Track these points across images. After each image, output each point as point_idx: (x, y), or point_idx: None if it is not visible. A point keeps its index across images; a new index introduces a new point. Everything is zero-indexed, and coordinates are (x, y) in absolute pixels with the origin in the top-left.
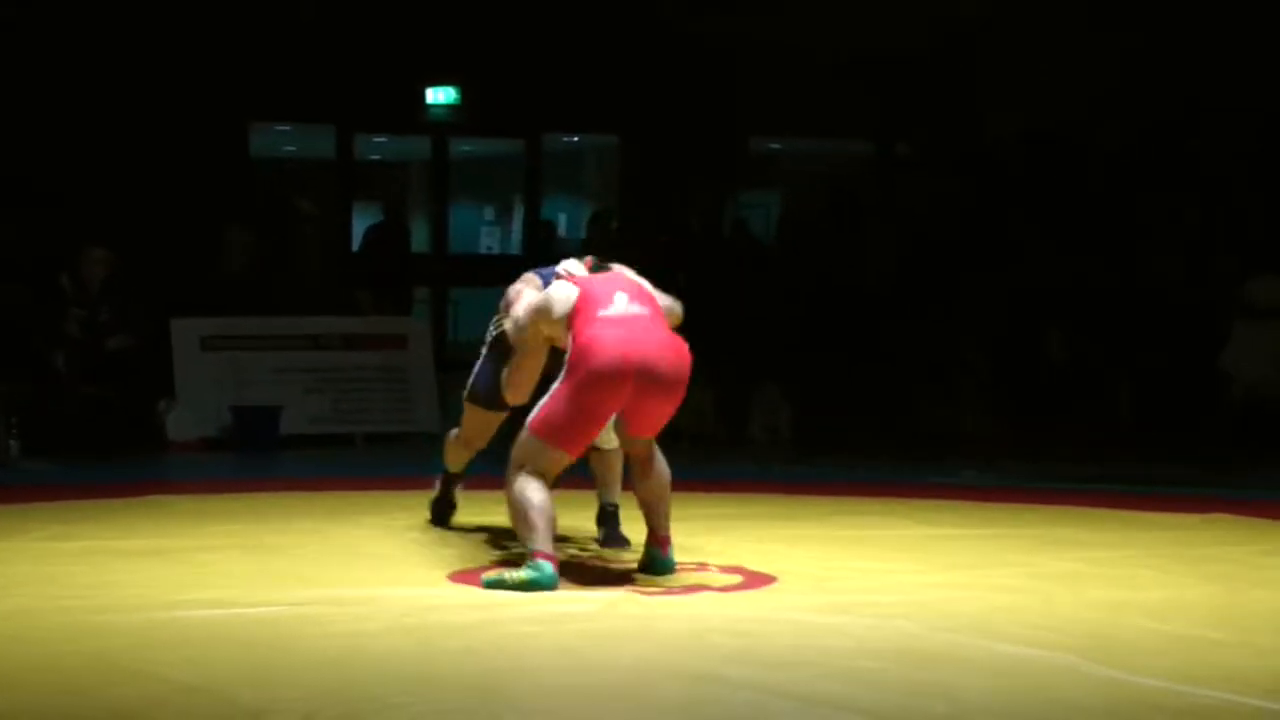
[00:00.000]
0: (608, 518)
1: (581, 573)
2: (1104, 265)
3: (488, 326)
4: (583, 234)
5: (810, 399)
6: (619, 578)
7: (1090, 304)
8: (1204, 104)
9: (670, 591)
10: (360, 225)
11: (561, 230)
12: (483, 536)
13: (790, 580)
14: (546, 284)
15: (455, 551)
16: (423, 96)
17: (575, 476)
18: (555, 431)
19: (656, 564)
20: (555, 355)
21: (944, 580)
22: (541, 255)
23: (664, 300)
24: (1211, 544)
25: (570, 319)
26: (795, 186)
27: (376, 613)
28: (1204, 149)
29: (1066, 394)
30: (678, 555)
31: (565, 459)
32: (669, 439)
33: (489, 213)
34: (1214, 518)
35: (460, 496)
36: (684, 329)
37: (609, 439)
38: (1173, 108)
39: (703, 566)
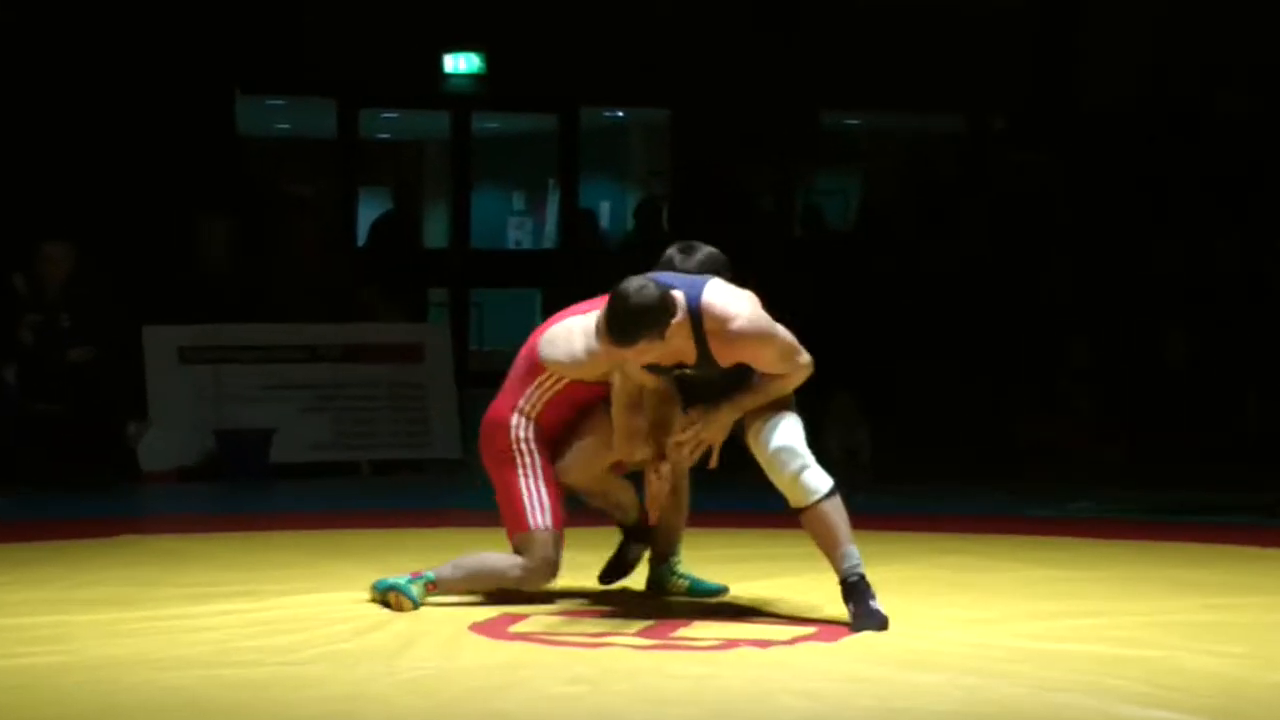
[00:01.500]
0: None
1: (623, 620)
2: (1227, 253)
3: None
4: (629, 225)
5: (893, 414)
6: (667, 626)
7: (1213, 298)
8: None
9: (728, 645)
10: (366, 215)
11: (604, 221)
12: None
13: (872, 632)
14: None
15: (479, 598)
16: (440, 65)
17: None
18: None
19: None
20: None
21: (1052, 631)
22: (580, 250)
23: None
24: None
25: None
26: (876, 168)
27: (386, 671)
28: None
29: (1187, 405)
30: (738, 601)
31: None
32: (728, 468)
33: (518, 201)
34: None
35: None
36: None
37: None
38: None
39: (767, 615)
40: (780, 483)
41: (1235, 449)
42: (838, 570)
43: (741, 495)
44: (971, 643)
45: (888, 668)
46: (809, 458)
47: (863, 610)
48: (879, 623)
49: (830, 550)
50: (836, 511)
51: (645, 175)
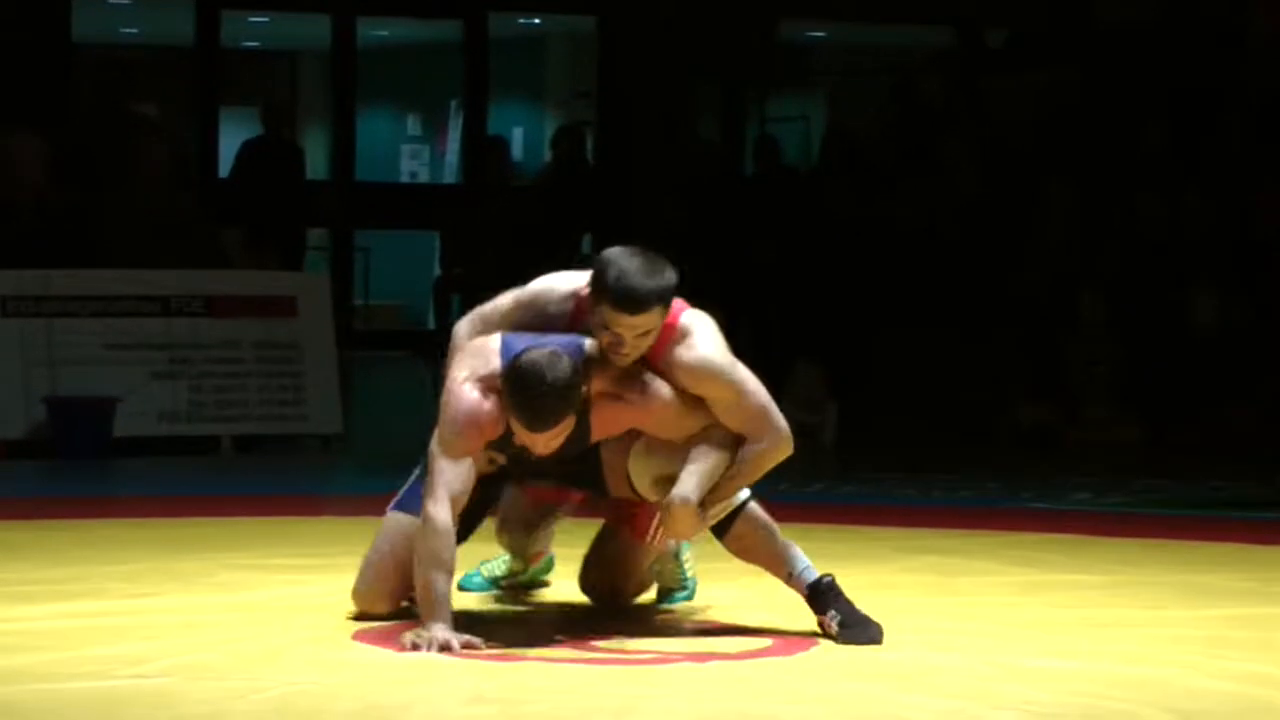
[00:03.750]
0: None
1: (541, 629)
2: (1273, 200)
3: None
4: (546, 156)
5: (863, 388)
6: (592, 636)
7: (1251, 253)
8: None
9: (666, 659)
10: (230, 140)
11: (516, 151)
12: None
13: (835, 645)
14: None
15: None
16: None
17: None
18: None
19: None
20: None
21: (1049, 645)
22: (487, 186)
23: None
24: None
25: None
26: (845, 92)
27: (252, 687)
28: None
29: (1215, 378)
30: (681, 609)
31: None
32: None
33: (413, 125)
34: None
35: None
36: (697, 296)
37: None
38: None
39: (715, 625)
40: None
41: (1269, 431)
42: (791, 573)
43: None
44: (954, 659)
45: (851, 685)
46: None
47: (853, 619)
48: (873, 634)
49: (773, 555)
50: (763, 514)
51: (567, 97)
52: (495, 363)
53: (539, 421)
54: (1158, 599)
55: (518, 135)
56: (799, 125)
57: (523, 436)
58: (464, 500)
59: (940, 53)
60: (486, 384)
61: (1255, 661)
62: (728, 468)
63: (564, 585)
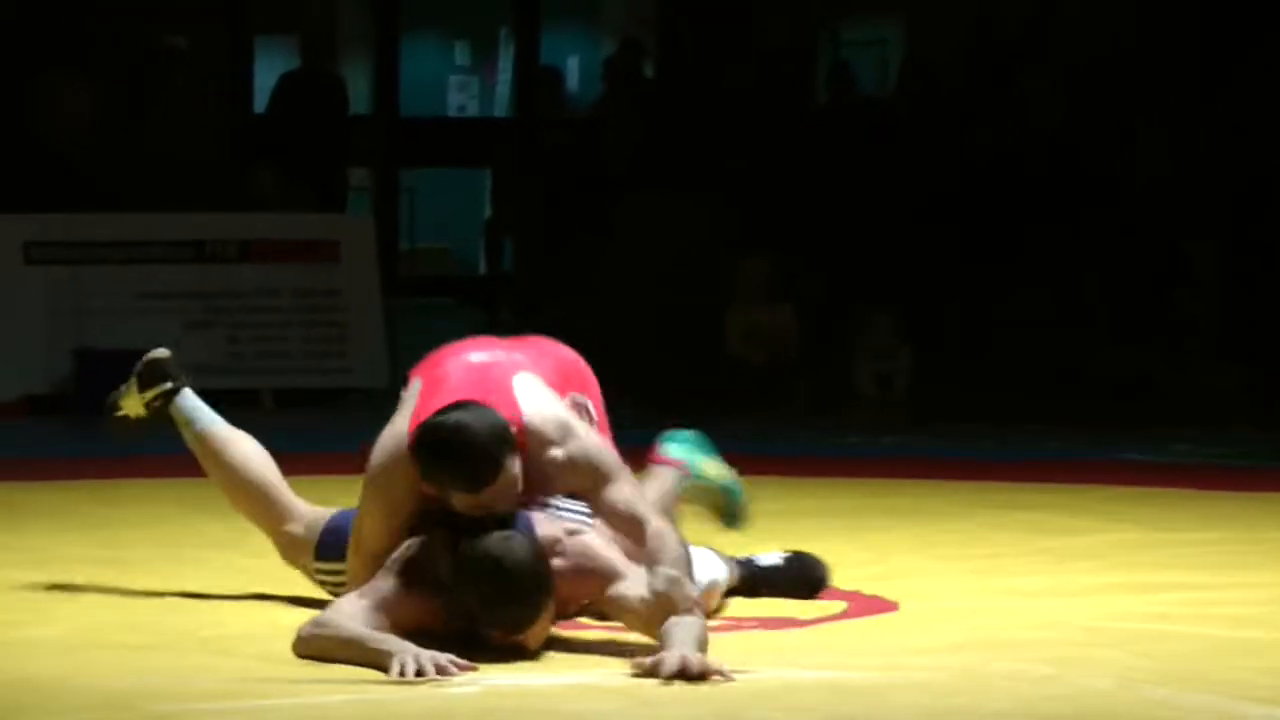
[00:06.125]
0: None
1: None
2: None
3: None
4: (600, 87)
5: (941, 335)
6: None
7: None
8: None
9: (740, 625)
10: (266, 74)
11: (571, 82)
12: None
13: (917, 607)
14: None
15: None
16: None
17: None
18: None
19: None
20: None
21: (1145, 608)
22: (541, 119)
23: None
24: None
25: None
26: (922, 17)
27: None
28: None
29: None
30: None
31: None
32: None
33: (461, 54)
34: None
35: None
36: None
37: None
38: None
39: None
40: None
41: None
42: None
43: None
44: (1043, 623)
45: (936, 654)
46: None
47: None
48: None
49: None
50: None
51: (624, 23)
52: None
53: (525, 621)
54: (1266, 558)
55: (572, 65)
56: (875, 52)
57: (499, 635)
58: None
59: None
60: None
61: None
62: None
63: None
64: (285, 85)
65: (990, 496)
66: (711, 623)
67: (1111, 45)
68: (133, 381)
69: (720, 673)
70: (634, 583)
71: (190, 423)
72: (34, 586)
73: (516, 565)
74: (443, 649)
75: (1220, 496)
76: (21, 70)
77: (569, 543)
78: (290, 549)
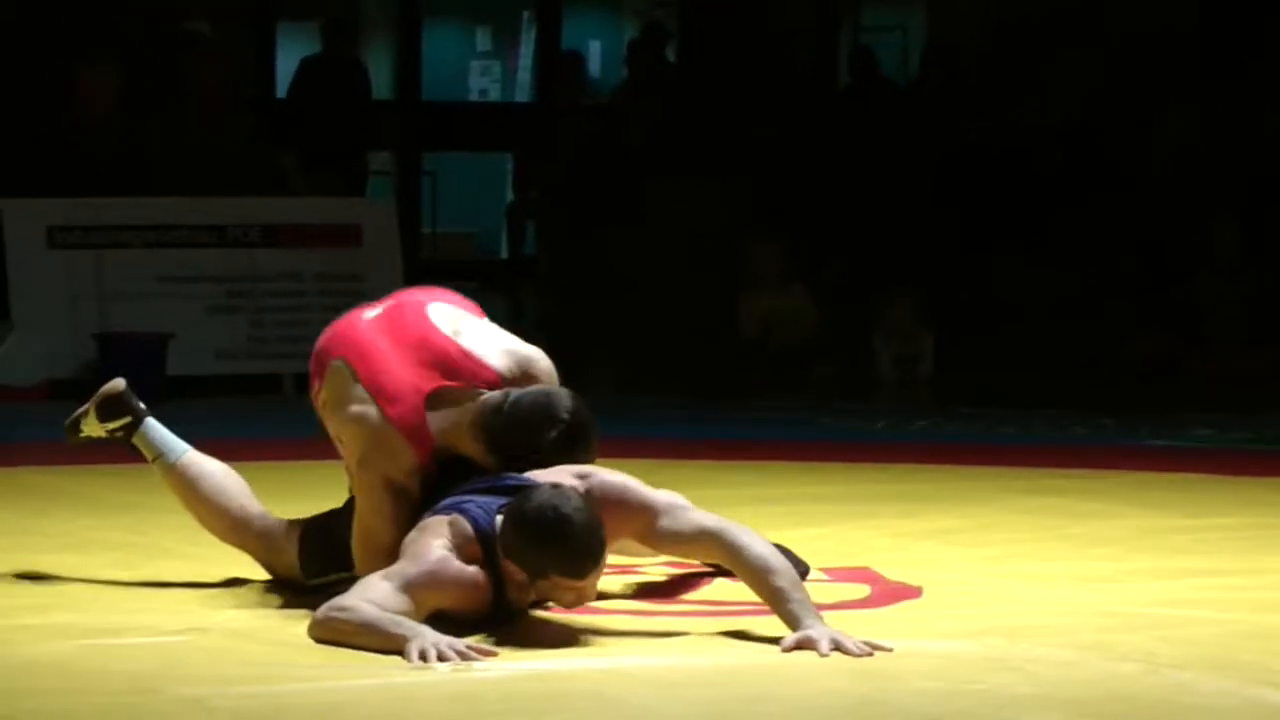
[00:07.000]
0: None
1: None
2: None
3: None
4: (625, 71)
5: (963, 320)
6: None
7: None
8: None
9: (760, 608)
10: (288, 58)
11: (594, 67)
12: None
13: (941, 593)
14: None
15: None
16: None
17: None
18: None
19: None
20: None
21: (1168, 593)
22: (563, 104)
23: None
24: None
25: None
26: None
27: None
28: None
29: None
30: None
31: None
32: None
33: (483, 39)
34: None
35: None
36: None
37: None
38: None
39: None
40: None
41: None
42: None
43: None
44: (1066, 608)
45: (959, 639)
46: None
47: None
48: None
49: None
50: None
51: (647, 6)
52: (470, 531)
53: (590, 562)
54: None
55: (595, 49)
56: (898, 37)
57: (553, 591)
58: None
59: None
60: (468, 555)
61: None
62: None
63: None
64: (307, 70)
65: (1013, 482)
66: (734, 608)
67: (1134, 28)
68: (91, 410)
69: (878, 647)
70: (675, 512)
71: (159, 455)
72: (59, 570)
73: (576, 511)
74: (459, 635)
75: (1244, 482)
76: (46, 56)
77: (589, 485)
78: (287, 573)
